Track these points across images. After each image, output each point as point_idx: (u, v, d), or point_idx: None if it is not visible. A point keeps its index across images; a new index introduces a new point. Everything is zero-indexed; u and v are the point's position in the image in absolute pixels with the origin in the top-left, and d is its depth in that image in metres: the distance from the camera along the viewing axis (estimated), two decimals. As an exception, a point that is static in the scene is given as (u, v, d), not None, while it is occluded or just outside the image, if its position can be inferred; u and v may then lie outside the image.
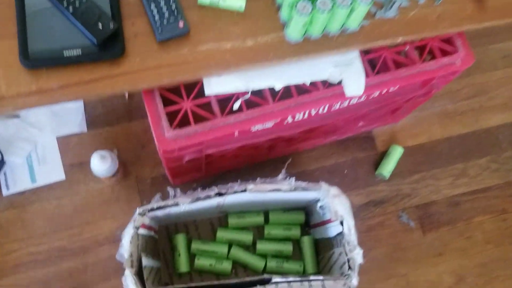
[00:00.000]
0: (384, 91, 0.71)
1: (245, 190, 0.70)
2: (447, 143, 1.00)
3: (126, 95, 0.94)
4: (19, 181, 0.88)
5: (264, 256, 0.88)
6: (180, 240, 0.85)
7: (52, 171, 0.89)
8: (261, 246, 0.87)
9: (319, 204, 0.74)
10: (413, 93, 0.78)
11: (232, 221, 0.88)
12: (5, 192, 0.87)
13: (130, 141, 0.93)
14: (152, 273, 0.75)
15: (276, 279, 0.67)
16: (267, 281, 0.68)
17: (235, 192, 0.70)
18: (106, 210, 0.88)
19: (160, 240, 0.88)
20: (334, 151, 0.97)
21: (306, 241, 0.88)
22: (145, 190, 0.90)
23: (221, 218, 0.90)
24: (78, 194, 0.89)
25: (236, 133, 0.68)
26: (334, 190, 0.71)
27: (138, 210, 0.68)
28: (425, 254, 0.93)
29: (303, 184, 0.72)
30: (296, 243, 0.90)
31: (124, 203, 0.89)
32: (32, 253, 0.85)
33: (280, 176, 0.74)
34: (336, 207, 0.70)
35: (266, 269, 0.86)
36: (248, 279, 0.68)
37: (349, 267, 0.69)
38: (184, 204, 0.69)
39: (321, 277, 0.67)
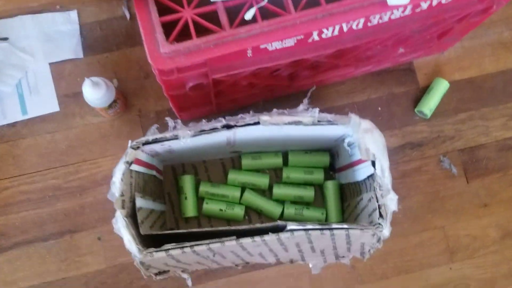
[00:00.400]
0: (435, 1, 0.57)
1: (258, 123, 0.59)
2: (501, 77, 0.85)
3: (127, 13, 0.82)
4: (9, 112, 0.79)
5: (281, 202, 0.77)
6: (187, 181, 0.76)
7: (44, 102, 0.80)
8: (279, 190, 0.76)
9: (347, 141, 0.62)
10: (470, 8, 0.63)
11: (246, 162, 0.77)
12: (-7, 125, 0.79)
13: (132, 70, 0.81)
14: (151, 217, 0.65)
15: (291, 226, 0.56)
16: (281, 229, 0.57)
17: (246, 124, 0.59)
18: (105, 147, 0.79)
19: (166, 182, 0.78)
20: (367, 85, 0.83)
21: (330, 186, 0.77)
22: (148, 126, 0.78)
23: (233, 159, 0.80)
24: (74, 128, 0.79)
25: (249, 53, 0.56)
26: (365, 123, 0.59)
27: (131, 143, 0.58)
28: (468, 205, 0.80)
29: (328, 116, 0.59)
30: (319, 188, 0.79)
31: (125, 139, 0.79)
32: (24, 192, 0.77)
33: (301, 107, 0.62)
34: (367, 144, 0.58)
35: (283, 216, 0.76)
36: (259, 225, 0.58)
37: (380, 215, 0.57)
38: (185, 138, 0.58)
39: (345, 226, 0.56)
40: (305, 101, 0.62)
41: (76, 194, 0.77)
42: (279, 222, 0.58)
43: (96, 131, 0.79)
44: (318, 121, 0.59)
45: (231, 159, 0.80)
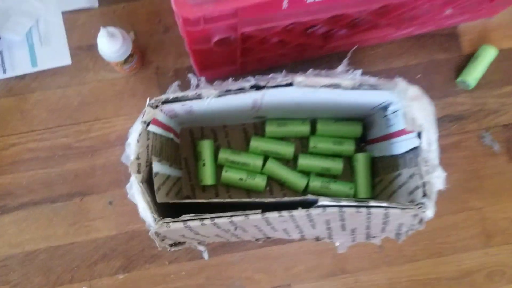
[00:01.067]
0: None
1: (291, 84, 0.52)
2: (556, 48, 0.77)
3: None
4: (18, 63, 0.73)
5: (306, 174, 0.72)
6: (206, 147, 0.70)
7: (56, 53, 0.73)
8: (304, 161, 0.70)
9: (390, 109, 0.55)
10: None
11: (270, 128, 0.71)
12: (1, 75, 0.73)
13: (150, 22, 0.75)
14: (167, 183, 0.60)
15: (323, 201, 0.50)
16: (311, 204, 0.51)
17: (278, 86, 0.52)
18: (119, 105, 0.73)
19: (183, 146, 0.73)
20: (405, 50, 0.76)
21: (361, 159, 0.70)
22: (166, 84, 0.73)
23: (256, 125, 0.74)
24: (87, 83, 0.73)
25: (285, 4, 0.49)
26: (413, 90, 0.52)
27: (149, 101, 0.52)
28: (509, 185, 0.74)
29: (371, 80, 0.52)
30: (347, 161, 0.73)
31: (140, 98, 0.73)
32: (32, 150, 0.72)
33: (341, 68, 0.55)
34: (414, 113, 0.51)
35: (307, 189, 0.70)
36: (287, 199, 0.52)
37: (424, 194, 0.51)
38: (209, 98, 0.52)
39: (384, 204, 0.50)
40: (345, 61, 0.55)
41: (88, 155, 0.72)
42: (310, 197, 0.52)
43: (110, 88, 0.73)
44: (359, 85, 0.52)
45: (254, 124, 0.74)
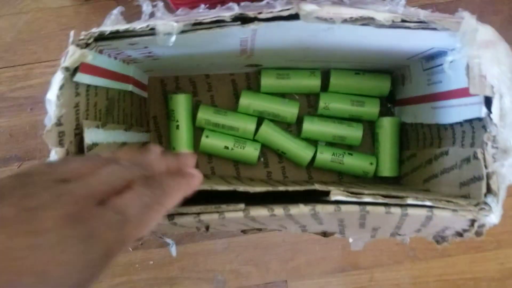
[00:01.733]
0: None
1: (296, 16, 0.33)
2: None
3: None
4: None
5: (313, 142, 0.54)
6: (181, 103, 0.52)
7: (-19, -30, 0.55)
8: (311, 126, 0.53)
9: (449, 59, 0.36)
10: None
11: (267, 81, 0.53)
12: None
13: None
14: None
15: (338, 196, 0.34)
16: (317, 196, 0.35)
17: (275, 18, 0.34)
18: (66, 44, 0.55)
19: (152, 101, 0.55)
20: (455, -21, 0.56)
21: (388, 125, 0.53)
22: (131, 17, 0.54)
23: (249, 75, 0.56)
24: (24, 13, 0.55)
25: None
26: (486, 32, 0.34)
27: (73, 37, 0.33)
28: None
29: (421, 13, 0.34)
30: (368, 127, 0.55)
31: (96, 34, 0.55)
32: (-46, 100, 0.55)
33: (374, -6, 0.36)
34: (484, 68, 0.33)
35: (314, 162, 0.53)
36: (282, 189, 0.36)
37: (488, 190, 0.34)
38: (167, 35, 0.33)
39: (428, 203, 0.33)
40: (380, -15, 0.36)
41: (26, 108, 0.55)
42: (317, 187, 0.35)
43: (55, 19, 0.55)
44: (402, 20, 0.34)
45: (246, 75, 0.56)
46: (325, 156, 0.53)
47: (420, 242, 0.56)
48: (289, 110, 0.53)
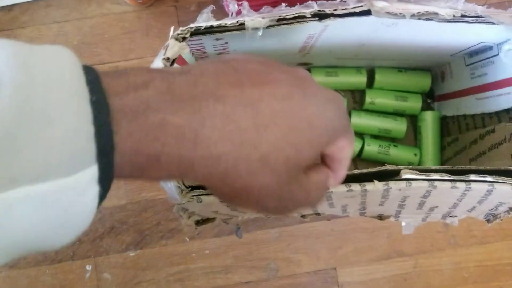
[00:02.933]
0: None
1: (368, 12, 0.38)
2: None
3: None
4: (3, -9, 0.59)
5: (359, 135, 0.58)
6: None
7: (50, -21, 0.59)
8: (358, 120, 0.57)
9: (506, 48, 0.41)
10: None
11: (317, 78, 0.57)
12: (-18, 6, 0.59)
13: None
14: None
15: (408, 174, 0.37)
16: (388, 176, 0.38)
17: (350, 14, 0.38)
18: (129, 46, 0.59)
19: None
20: (487, -16, 0.61)
21: (430, 118, 0.57)
22: (187, 21, 0.58)
23: (299, 73, 0.60)
24: (89, 18, 0.59)
25: None
26: (538, 24, 0.38)
27: (174, 31, 0.38)
28: None
29: (478, 8, 0.38)
30: (410, 120, 0.59)
31: (155, 37, 0.59)
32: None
33: (434, -8, 0.40)
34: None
35: (361, 154, 0.57)
36: (357, 171, 0.39)
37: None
38: (255, 29, 0.38)
39: (489, 178, 0.37)
40: (440, -17, 0.40)
41: (91, 107, 0.58)
42: (388, 167, 0.39)
43: (118, 24, 0.59)
44: (462, 15, 0.38)
45: (296, 74, 0.60)
46: (372, 148, 0.56)
47: (460, 230, 0.60)
48: (338, 106, 0.57)
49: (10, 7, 0.59)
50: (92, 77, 0.19)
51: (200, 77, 0.22)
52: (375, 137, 0.58)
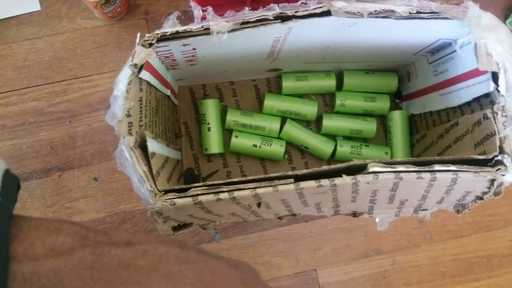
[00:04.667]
0: None
1: (328, 13, 0.39)
2: None
3: None
4: (-27, 11, 0.59)
5: (332, 137, 0.60)
6: (211, 107, 0.57)
7: (20, -3, 0.60)
8: (330, 122, 0.58)
9: (460, 41, 0.42)
10: None
11: (287, 83, 0.58)
12: (-48, 27, 0.59)
13: (135, -42, 0.61)
14: (167, 167, 0.47)
15: (375, 167, 0.38)
16: (357, 169, 0.40)
17: (310, 15, 0.39)
18: (101, 60, 0.60)
19: (183, 108, 0.60)
20: (446, -13, 0.63)
21: (399, 117, 0.58)
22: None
23: (270, 80, 0.61)
24: (60, 34, 0.60)
25: None
26: (488, 17, 0.40)
27: (140, 38, 0.38)
28: None
29: (432, 5, 0.40)
30: (379, 120, 0.61)
31: (127, 50, 0.60)
32: (-4, 117, 0.59)
33: (390, -8, 0.42)
34: (490, 48, 0.39)
35: (334, 155, 0.58)
36: (326, 167, 0.40)
37: (501, 151, 0.39)
38: (220, 32, 0.39)
39: (452, 167, 0.39)
40: (395, -16, 0.42)
41: (65, 121, 0.59)
42: (356, 161, 0.40)
43: (90, 38, 0.60)
44: (417, 12, 0.40)
45: (267, 80, 0.61)
46: (344, 148, 0.58)
47: (435, 225, 0.61)
48: (309, 109, 0.58)
49: (-19, 26, 0.59)
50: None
51: (140, 257, 0.21)
52: (347, 138, 0.60)
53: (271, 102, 0.58)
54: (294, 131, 0.58)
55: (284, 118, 0.58)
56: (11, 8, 0.59)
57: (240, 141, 0.57)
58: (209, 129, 0.57)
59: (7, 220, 0.19)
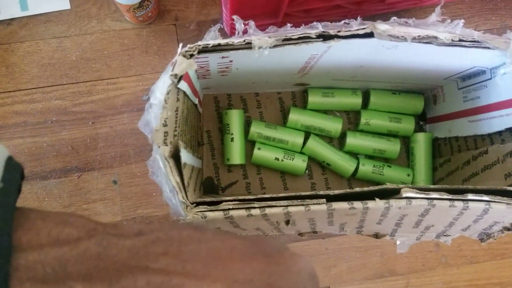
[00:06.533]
0: None
1: (370, 34, 0.39)
2: None
3: None
4: (4, 5, 0.59)
5: (354, 155, 0.59)
6: (236, 117, 0.57)
7: (51, -5, 0.59)
8: (354, 140, 0.58)
9: (501, 72, 0.42)
10: None
11: (313, 98, 0.58)
12: (-19, 20, 0.59)
13: (169, -37, 0.61)
14: (193, 177, 0.46)
15: (408, 192, 0.38)
16: (388, 193, 0.39)
17: (353, 36, 0.39)
18: (128, 63, 0.59)
19: (206, 117, 0.60)
20: (474, 13, 0.63)
21: (423, 140, 0.58)
22: (187, 40, 0.59)
23: (295, 94, 0.61)
24: (89, 34, 0.59)
25: None
26: (531, 49, 0.40)
27: (181, 48, 0.38)
28: None
29: (475, 34, 0.40)
30: (403, 141, 0.61)
31: (154, 55, 0.60)
32: (19, 113, 0.58)
33: (434, 18, 0.42)
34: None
35: (356, 174, 0.58)
36: (358, 190, 0.40)
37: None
38: (262, 48, 0.38)
39: (485, 198, 0.38)
40: (438, 9, 0.42)
41: (88, 122, 0.58)
42: (389, 185, 0.40)
43: (118, 41, 0.59)
44: (459, 40, 0.40)
45: (292, 94, 0.61)
46: (366, 167, 0.58)
47: (451, 249, 0.61)
48: (334, 125, 0.58)
49: (9, 21, 0.59)
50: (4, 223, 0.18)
51: (151, 244, 0.21)
52: (370, 157, 0.60)
53: (296, 116, 0.58)
54: (317, 146, 0.57)
55: (307, 133, 0.58)
56: (40, 5, 0.59)
57: (262, 154, 0.57)
58: (232, 139, 0.57)
59: (9, 207, 0.19)
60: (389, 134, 0.59)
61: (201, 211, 0.37)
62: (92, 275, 0.19)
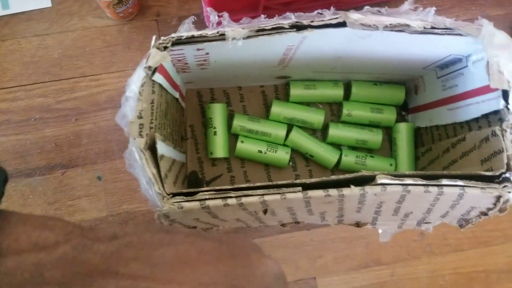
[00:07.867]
0: None
1: (343, 24, 0.39)
2: None
3: None
4: (-16, 4, 0.59)
5: (337, 146, 0.60)
6: (218, 111, 0.57)
7: (31, -7, 0.60)
8: (336, 131, 0.58)
9: (473, 58, 0.43)
10: None
11: (295, 91, 0.59)
12: (-38, 19, 0.59)
13: (149, -41, 0.61)
14: (173, 170, 0.46)
15: (383, 179, 0.39)
16: (365, 180, 0.40)
17: (326, 25, 0.40)
18: (110, 59, 0.60)
19: (189, 111, 0.60)
20: (455, 3, 0.64)
21: (405, 130, 0.59)
22: (169, 35, 0.59)
23: (278, 87, 0.61)
24: (70, 31, 0.60)
25: None
26: (501, 36, 0.40)
27: (155, 41, 0.38)
28: None
29: (447, 21, 0.40)
30: (385, 132, 0.61)
31: (136, 51, 0.60)
32: (2, 112, 0.58)
33: (406, 6, 0.42)
34: (503, 65, 0.39)
35: (339, 165, 0.59)
36: (335, 177, 0.40)
37: (508, 168, 0.40)
38: (235, 39, 0.39)
39: (460, 182, 0.39)
40: (411, -2, 0.43)
41: (71, 119, 0.59)
42: (364, 172, 0.40)
43: (100, 37, 0.60)
44: (431, 27, 0.40)
45: (275, 87, 0.61)
46: (349, 158, 0.58)
47: (435, 238, 0.61)
48: (316, 117, 0.58)
49: (-10, 20, 0.59)
50: None
51: (123, 248, 0.22)
52: (352, 148, 0.60)
53: (278, 109, 0.58)
54: (300, 138, 0.58)
55: (290, 126, 0.59)
56: (22, 3, 0.59)
57: (245, 147, 0.57)
58: (215, 133, 0.57)
59: None
60: (371, 125, 0.60)
61: (177, 202, 0.37)
62: (66, 280, 0.20)
